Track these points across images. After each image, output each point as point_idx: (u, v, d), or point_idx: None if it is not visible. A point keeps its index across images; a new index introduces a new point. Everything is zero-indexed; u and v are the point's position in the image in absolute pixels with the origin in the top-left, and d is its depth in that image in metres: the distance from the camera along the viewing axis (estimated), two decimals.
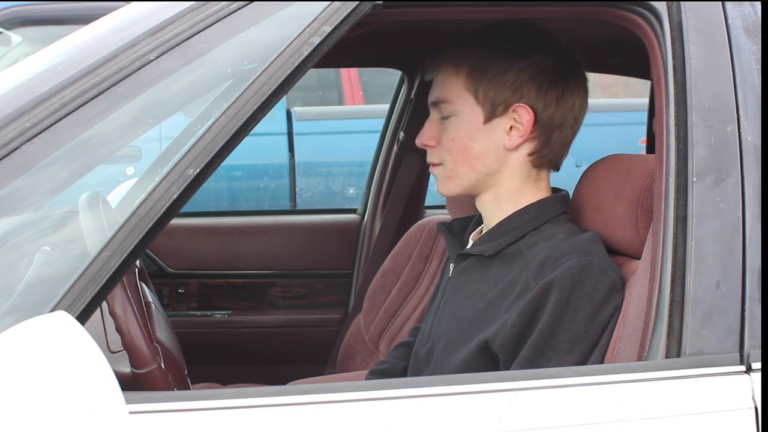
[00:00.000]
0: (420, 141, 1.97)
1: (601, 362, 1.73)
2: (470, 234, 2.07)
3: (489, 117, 1.90)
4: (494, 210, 1.95)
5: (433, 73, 1.97)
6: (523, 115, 1.90)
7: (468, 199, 2.05)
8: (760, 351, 1.51)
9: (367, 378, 2.27)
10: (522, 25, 1.96)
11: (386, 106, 3.70)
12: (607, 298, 1.76)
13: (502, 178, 1.93)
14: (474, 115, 1.90)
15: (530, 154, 1.93)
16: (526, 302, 1.77)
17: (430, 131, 1.95)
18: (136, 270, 2.10)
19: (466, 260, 1.97)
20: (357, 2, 1.55)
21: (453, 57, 1.93)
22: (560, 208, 1.94)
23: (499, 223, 1.94)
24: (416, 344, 2.07)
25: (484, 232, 1.99)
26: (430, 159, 1.97)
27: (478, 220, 2.06)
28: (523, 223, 1.91)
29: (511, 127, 1.90)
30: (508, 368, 1.77)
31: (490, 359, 1.81)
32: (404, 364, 2.23)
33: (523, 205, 1.93)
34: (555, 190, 1.98)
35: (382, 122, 3.65)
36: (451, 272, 2.01)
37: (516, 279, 1.82)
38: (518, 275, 1.82)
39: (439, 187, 1.98)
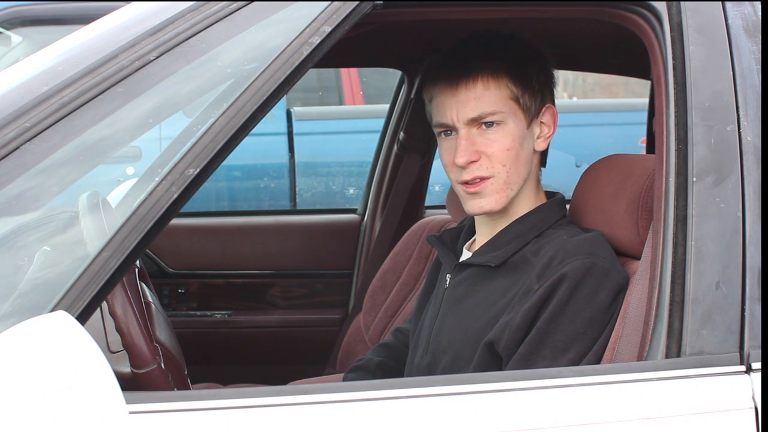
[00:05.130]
0: (464, 160, 1.85)
1: (597, 363, 1.73)
2: (463, 244, 2.05)
3: (530, 121, 1.91)
4: (500, 217, 1.93)
5: (465, 90, 1.87)
6: (549, 116, 1.93)
7: None
8: (760, 351, 1.51)
9: (344, 377, 2.27)
10: (498, 35, 1.96)
11: (386, 106, 3.69)
12: (608, 301, 1.76)
13: (525, 184, 1.92)
14: (519, 122, 1.89)
15: (542, 155, 1.96)
16: (531, 304, 1.77)
17: (469, 147, 1.87)
18: (136, 270, 2.10)
19: (465, 271, 1.96)
20: (357, 2, 1.55)
21: (486, 68, 1.88)
22: (560, 212, 1.94)
23: (499, 232, 1.93)
24: (414, 355, 2.03)
25: (483, 241, 1.96)
26: (475, 174, 1.87)
27: (469, 230, 2.05)
28: (525, 231, 1.90)
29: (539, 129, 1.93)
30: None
31: (497, 362, 1.81)
32: (379, 360, 2.22)
33: (524, 212, 1.93)
34: (549, 194, 1.98)
35: (382, 122, 3.64)
36: (448, 283, 1.99)
37: (523, 285, 1.82)
38: (526, 281, 1.82)
39: (485, 203, 1.88)
